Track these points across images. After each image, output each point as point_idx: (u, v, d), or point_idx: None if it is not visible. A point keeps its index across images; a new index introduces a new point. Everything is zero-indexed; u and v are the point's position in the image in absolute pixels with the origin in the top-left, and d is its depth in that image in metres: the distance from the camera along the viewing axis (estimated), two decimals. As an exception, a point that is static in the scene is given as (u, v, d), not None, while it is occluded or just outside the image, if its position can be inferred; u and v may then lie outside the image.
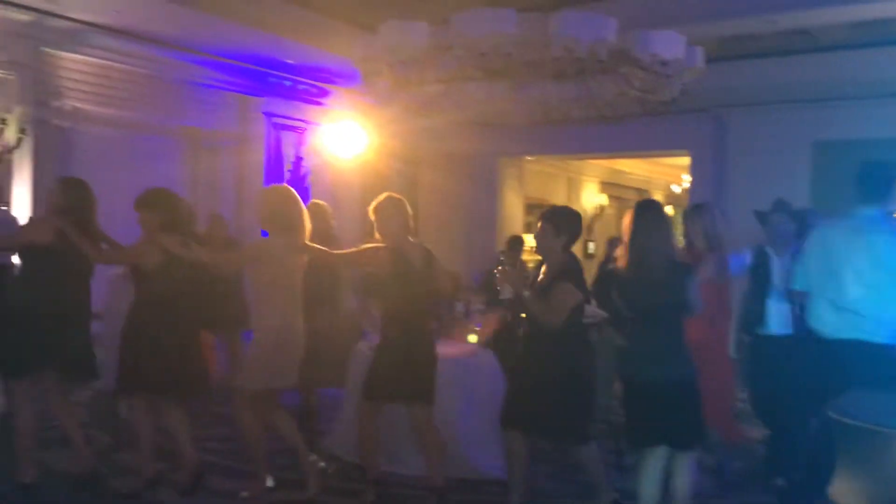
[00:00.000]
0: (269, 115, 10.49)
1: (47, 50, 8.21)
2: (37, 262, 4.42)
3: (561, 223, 4.29)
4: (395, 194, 4.59)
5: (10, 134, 7.74)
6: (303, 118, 10.83)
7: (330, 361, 5.25)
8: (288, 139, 10.75)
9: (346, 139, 10.63)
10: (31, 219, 4.61)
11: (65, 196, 4.51)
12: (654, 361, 3.86)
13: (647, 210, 4.04)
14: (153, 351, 4.26)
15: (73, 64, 8.56)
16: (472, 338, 5.66)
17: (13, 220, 6.53)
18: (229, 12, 7.70)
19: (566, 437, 4.31)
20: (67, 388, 4.80)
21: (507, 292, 4.25)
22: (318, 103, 10.91)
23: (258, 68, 9.87)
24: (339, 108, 10.91)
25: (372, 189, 11.21)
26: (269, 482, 4.64)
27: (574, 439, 4.27)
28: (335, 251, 4.91)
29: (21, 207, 7.55)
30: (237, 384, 4.50)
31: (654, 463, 3.90)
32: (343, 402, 5.48)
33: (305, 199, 5.30)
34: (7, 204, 7.58)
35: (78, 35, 8.21)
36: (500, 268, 4.27)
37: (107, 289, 6.24)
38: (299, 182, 10.52)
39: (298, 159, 10.82)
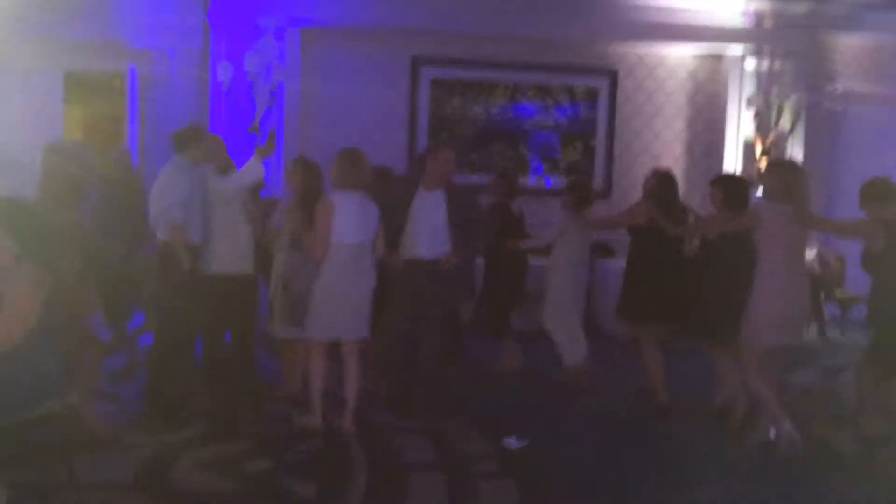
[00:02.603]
0: None
1: (822, 36, 8.38)
2: (640, 235, 5.46)
3: None
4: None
5: (786, 120, 8.19)
6: None
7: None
8: None
9: None
10: (634, 204, 5.73)
11: (659, 187, 5.47)
12: None
13: None
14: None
15: (846, 46, 8.56)
16: None
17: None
18: None
19: None
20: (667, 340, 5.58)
21: None
22: None
23: None
24: None
25: None
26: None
27: None
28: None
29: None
30: (745, 341, 4.65)
31: None
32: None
33: None
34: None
35: (853, 17, 8.14)
36: None
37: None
38: None
39: None
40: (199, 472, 4.03)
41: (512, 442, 4.58)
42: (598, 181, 8.54)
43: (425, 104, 8.47)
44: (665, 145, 8.69)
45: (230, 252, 5.03)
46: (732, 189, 5.12)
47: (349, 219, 4.53)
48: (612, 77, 8.56)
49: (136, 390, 5.15)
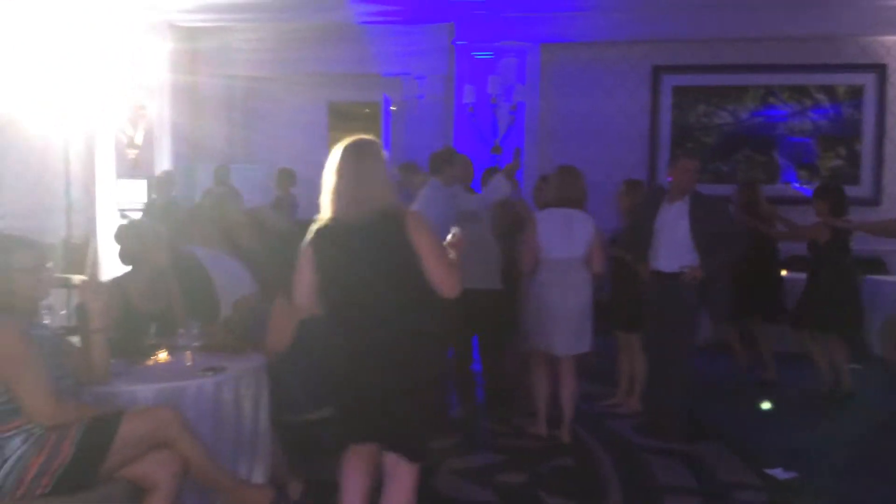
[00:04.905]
0: None
1: None
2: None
3: None
4: None
5: None
6: None
7: None
8: None
9: None
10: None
11: (741, 195, 6.08)
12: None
13: None
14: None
15: None
16: None
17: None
18: None
19: None
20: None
21: None
22: None
23: None
24: None
25: None
26: None
27: None
28: None
29: None
30: None
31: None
32: None
33: None
34: None
35: None
36: None
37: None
38: None
39: None
40: (459, 481, 4.20)
41: (779, 473, 4.28)
42: (865, 188, 7.79)
43: (667, 114, 8.24)
44: (947, 146, 7.72)
45: (479, 268, 5.20)
46: (836, 199, 5.50)
47: (553, 235, 4.72)
48: (881, 72, 7.77)
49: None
